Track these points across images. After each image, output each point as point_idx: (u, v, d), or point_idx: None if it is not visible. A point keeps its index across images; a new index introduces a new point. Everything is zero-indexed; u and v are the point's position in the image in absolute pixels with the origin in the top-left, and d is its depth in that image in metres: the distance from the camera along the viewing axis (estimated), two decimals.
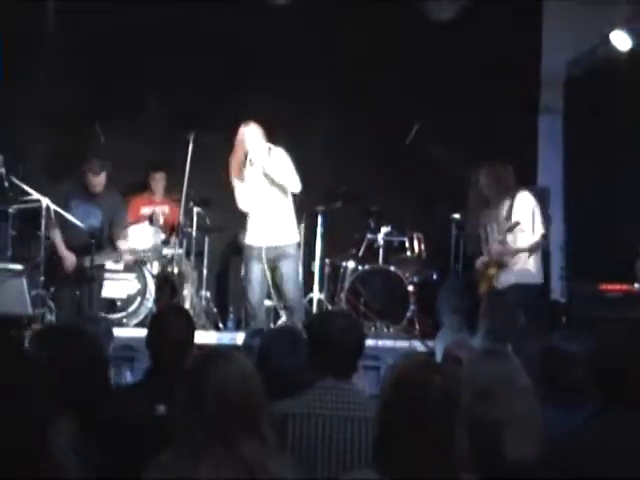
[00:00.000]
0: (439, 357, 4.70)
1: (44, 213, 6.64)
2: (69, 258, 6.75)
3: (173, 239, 7.70)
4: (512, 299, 5.89)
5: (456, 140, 7.95)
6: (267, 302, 7.24)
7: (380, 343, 6.78)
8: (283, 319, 7.34)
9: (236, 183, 6.65)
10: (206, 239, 8.07)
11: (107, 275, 7.23)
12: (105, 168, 6.77)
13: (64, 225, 6.76)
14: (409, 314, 7.57)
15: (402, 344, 6.96)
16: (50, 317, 6.71)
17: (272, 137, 6.66)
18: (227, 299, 8.36)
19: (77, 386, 2.85)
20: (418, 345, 6.88)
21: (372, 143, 8.35)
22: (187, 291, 7.76)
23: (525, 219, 5.88)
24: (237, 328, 7.73)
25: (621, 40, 7.59)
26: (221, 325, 7.85)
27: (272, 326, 7.23)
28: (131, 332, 6.85)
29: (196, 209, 7.87)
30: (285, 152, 6.64)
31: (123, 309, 7.41)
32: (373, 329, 7.46)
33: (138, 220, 7.80)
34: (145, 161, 8.27)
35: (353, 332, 3.15)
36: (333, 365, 3.05)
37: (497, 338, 5.56)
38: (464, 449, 2.23)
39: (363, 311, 7.55)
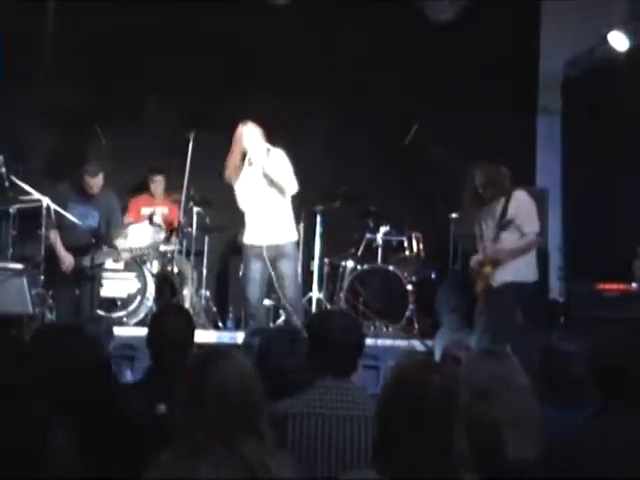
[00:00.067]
0: (438, 356, 4.71)
1: (44, 213, 6.66)
2: (66, 259, 6.75)
3: (173, 238, 7.71)
4: (508, 297, 5.88)
5: (455, 140, 7.96)
6: (266, 301, 7.25)
7: (379, 342, 6.79)
8: (282, 318, 7.35)
9: (232, 182, 6.64)
10: (206, 239, 8.08)
11: (107, 274, 7.25)
12: (102, 170, 6.79)
13: (62, 226, 6.77)
14: (408, 313, 7.58)
15: (401, 343, 6.97)
16: (50, 316, 6.72)
17: (272, 137, 6.66)
18: (227, 298, 8.37)
19: (77, 386, 2.86)
20: (417, 344, 6.89)
21: (371, 143, 8.36)
22: (187, 290, 7.78)
23: (520, 217, 5.87)
24: (237, 327, 7.74)
25: (619, 41, 7.60)
26: (221, 324, 7.86)
27: (272, 325, 7.24)
28: (131, 331, 6.86)
29: (196, 209, 7.89)
30: (284, 153, 6.62)
31: (123, 308, 7.42)
32: (372, 328, 7.47)
33: (138, 220, 7.82)
34: (145, 161, 8.28)
35: (353, 331, 3.16)
36: (333, 364, 3.06)
37: (494, 337, 5.57)
38: (463, 449, 2.24)
39: (362, 310, 7.57)
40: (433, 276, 8.01)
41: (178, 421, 2.31)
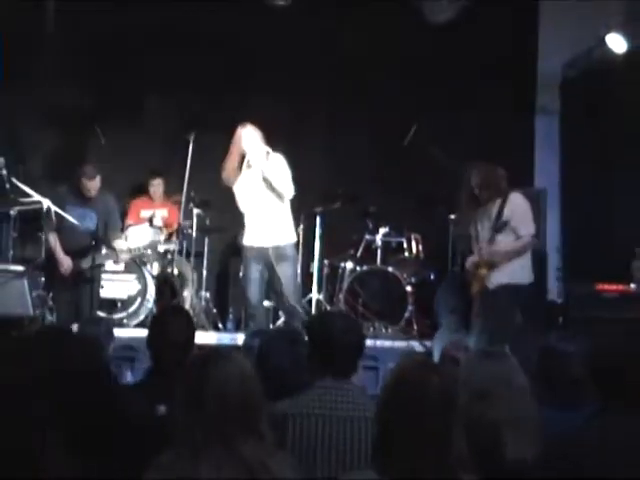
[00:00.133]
0: (437, 357, 4.72)
1: (45, 214, 6.66)
2: (65, 262, 6.75)
3: (173, 239, 7.72)
4: (504, 299, 5.88)
5: (453, 140, 7.96)
6: (266, 303, 7.26)
7: (378, 343, 6.79)
8: (282, 320, 7.36)
9: (230, 184, 6.64)
10: (206, 240, 8.08)
11: (108, 276, 7.25)
12: (99, 172, 6.79)
13: (62, 228, 6.77)
14: (407, 314, 7.58)
15: (400, 344, 6.98)
16: (51, 318, 6.72)
17: (271, 138, 6.65)
18: (227, 300, 8.37)
19: (77, 386, 2.86)
20: (416, 345, 6.90)
21: (371, 143, 8.37)
22: (187, 292, 7.79)
23: (515, 219, 5.86)
24: (237, 328, 7.75)
25: (617, 42, 7.61)
26: (221, 325, 7.87)
27: (271, 326, 7.25)
28: (131, 332, 6.87)
29: (196, 210, 7.89)
30: (283, 158, 6.59)
31: (124, 309, 7.43)
32: (371, 329, 7.47)
33: (138, 223, 7.83)
34: (145, 162, 8.29)
35: (353, 332, 3.17)
36: (333, 365, 3.06)
37: (491, 338, 5.58)
38: (462, 449, 2.24)
39: (361, 311, 7.57)
40: (432, 277, 8.01)
41: (178, 422, 2.32)
